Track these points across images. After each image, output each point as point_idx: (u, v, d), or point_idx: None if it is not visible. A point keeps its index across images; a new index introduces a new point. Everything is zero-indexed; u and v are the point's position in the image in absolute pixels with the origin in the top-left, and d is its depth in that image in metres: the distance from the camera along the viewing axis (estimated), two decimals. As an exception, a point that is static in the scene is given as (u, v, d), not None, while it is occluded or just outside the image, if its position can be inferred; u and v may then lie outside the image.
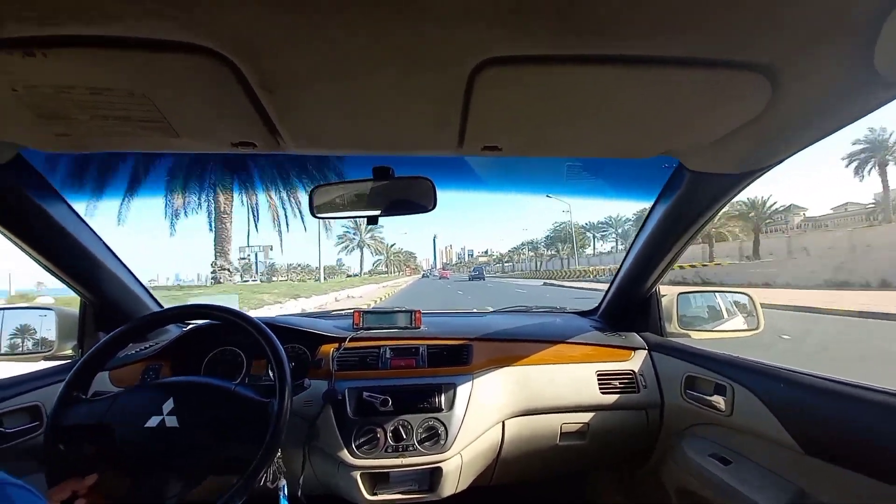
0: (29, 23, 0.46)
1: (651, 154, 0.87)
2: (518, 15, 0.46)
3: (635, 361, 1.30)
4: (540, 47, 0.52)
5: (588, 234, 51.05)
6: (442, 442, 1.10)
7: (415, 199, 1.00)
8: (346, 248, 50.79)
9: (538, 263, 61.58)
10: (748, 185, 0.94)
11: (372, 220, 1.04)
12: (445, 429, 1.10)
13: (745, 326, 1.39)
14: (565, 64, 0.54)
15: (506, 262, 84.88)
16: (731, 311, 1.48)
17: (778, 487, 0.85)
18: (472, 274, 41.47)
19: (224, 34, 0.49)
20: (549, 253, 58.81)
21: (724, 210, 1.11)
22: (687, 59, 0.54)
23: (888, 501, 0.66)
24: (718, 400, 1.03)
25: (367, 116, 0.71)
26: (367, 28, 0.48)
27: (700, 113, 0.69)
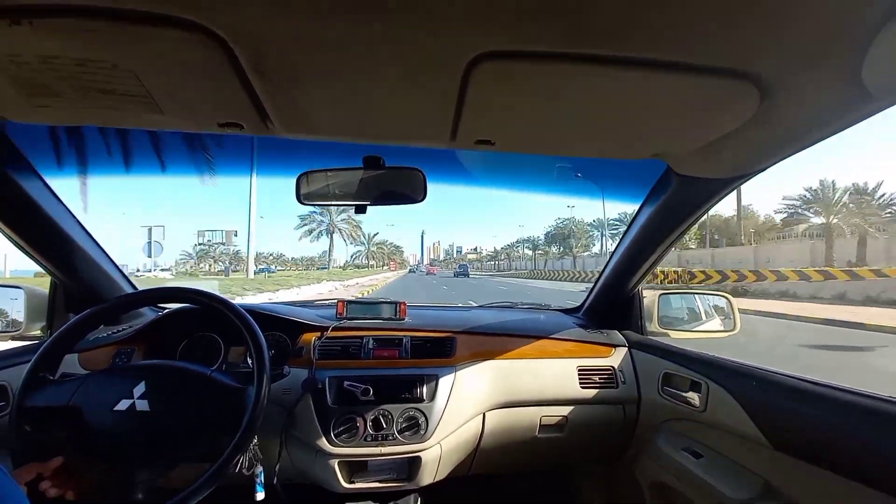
0: None
1: (641, 156, 0.89)
2: (517, 11, 0.46)
3: (615, 358, 1.33)
4: (537, 44, 0.51)
5: (596, 231, 46.35)
6: (422, 432, 1.10)
7: (405, 190, 0.99)
8: (310, 231, 41.80)
9: (541, 262, 55.35)
10: (732, 190, 0.96)
11: (360, 209, 1.03)
12: (426, 419, 1.11)
13: (722, 328, 1.43)
14: (561, 62, 0.54)
15: (500, 259, 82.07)
16: (710, 313, 1.52)
17: (745, 480, 0.89)
18: (457, 270, 44.02)
19: (216, 12, 0.47)
20: (558, 251, 53.77)
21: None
22: (681, 64, 0.54)
23: (853, 497, 0.69)
24: (693, 396, 1.06)
25: (359, 104, 0.70)
26: (365, 17, 0.47)
27: (690, 118, 0.70)
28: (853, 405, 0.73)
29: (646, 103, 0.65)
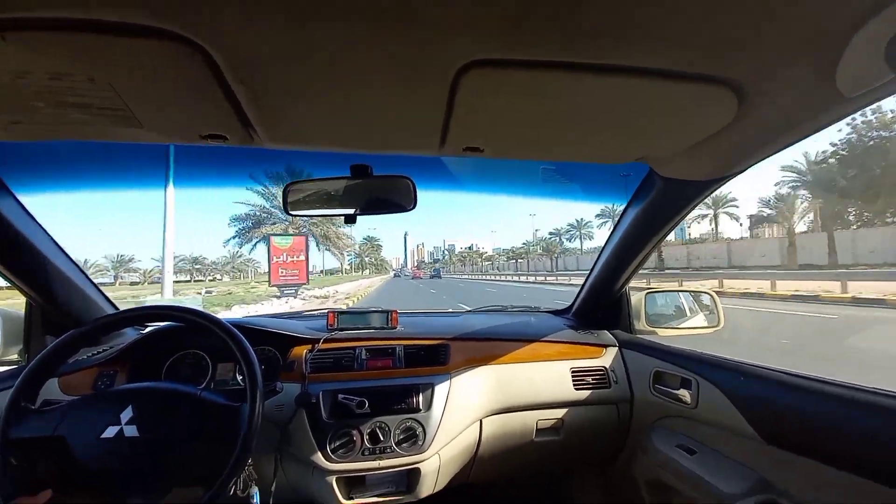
0: None
1: (625, 160, 0.91)
2: (504, 20, 0.46)
3: (607, 358, 1.35)
4: (524, 52, 0.52)
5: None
6: (420, 443, 1.09)
7: (394, 199, 0.99)
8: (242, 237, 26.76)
9: (548, 262, 53.45)
10: (714, 190, 0.99)
11: (350, 219, 1.02)
12: (423, 429, 1.10)
13: (707, 323, 1.47)
14: (548, 69, 0.56)
15: (514, 258, 75.20)
16: (694, 310, 1.56)
17: (740, 475, 0.90)
18: (432, 273, 58.27)
19: (195, 19, 0.46)
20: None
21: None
22: (663, 72, 0.56)
23: (842, 487, 0.71)
24: (684, 393, 1.08)
25: (346, 113, 0.69)
26: (352, 25, 0.47)
27: (672, 123, 0.72)
28: (838, 397, 0.76)
29: (629, 109, 0.67)
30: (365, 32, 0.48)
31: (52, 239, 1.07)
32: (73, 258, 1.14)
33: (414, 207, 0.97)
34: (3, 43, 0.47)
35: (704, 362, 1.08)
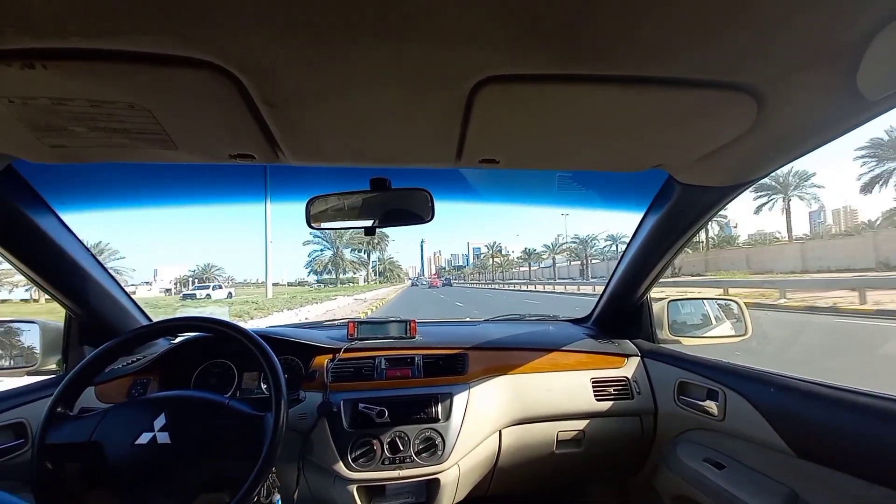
0: (32, 35, 0.45)
1: (643, 167, 0.90)
2: (517, 36, 0.47)
3: (629, 368, 1.32)
4: (538, 67, 0.53)
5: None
6: (439, 453, 1.09)
7: (412, 210, 1.01)
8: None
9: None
10: (736, 196, 0.97)
11: (369, 231, 1.04)
12: (443, 439, 1.10)
13: (734, 332, 1.42)
14: (562, 83, 0.56)
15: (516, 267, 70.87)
16: (720, 318, 1.51)
17: (771, 491, 0.87)
18: (443, 282, 63.84)
19: (231, 51, 0.49)
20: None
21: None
22: (678, 80, 0.56)
23: (879, 503, 0.68)
24: (711, 405, 1.05)
25: (367, 131, 0.71)
26: (372, 48, 0.49)
27: (690, 130, 0.71)
28: (875, 409, 0.73)
29: (645, 118, 0.67)
30: (382, 54, 0.50)
31: (91, 254, 1.12)
32: (110, 271, 1.19)
33: (431, 219, 0.99)
34: (43, 71, 0.50)
35: (731, 372, 1.04)
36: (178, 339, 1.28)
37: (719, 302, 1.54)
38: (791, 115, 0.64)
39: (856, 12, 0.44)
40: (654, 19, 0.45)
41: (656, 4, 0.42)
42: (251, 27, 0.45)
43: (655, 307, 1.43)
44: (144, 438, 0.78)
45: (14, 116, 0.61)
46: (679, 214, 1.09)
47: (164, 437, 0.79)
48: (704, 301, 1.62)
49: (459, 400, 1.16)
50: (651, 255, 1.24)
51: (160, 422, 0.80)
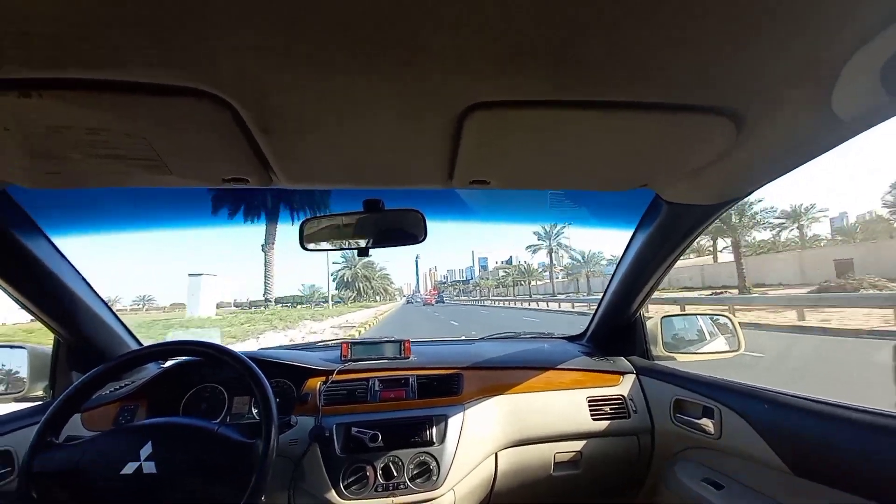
0: (30, 65, 0.46)
1: (629, 187, 0.92)
2: (504, 65, 0.49)
3: (624, 386, 1.31)
4: (525, 93, 0.55)
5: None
6: (434, 478, 1.07)
7: (405, 231, 1.02)
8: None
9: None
10: (722, 213, 1.00)
11: (363, 252, 1.05)
12: (437, 464, 1.08)
13: (727, 347, 1.42)
14: (549, 107, 0.58)
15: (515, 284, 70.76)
16: (713, 333, 1.52)
17: None
18: (437, 298, 63.56)
19: (227, 81, 0.50)
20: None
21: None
22: (659, 104, 0.58)
23: None
24: (707, 423, 1.05)
25: (360, 155, 0.73)
26: (364, 76, 0.51)
27: (672, 151, 0.74)
28: (870, 425, 0.73)
29: (630, 140, 0.69)
30: (374, 82, 0.52)
31: (82, 278, 1.12)
32: (101, 296, 1.18)
33: (424, 239, 1.00)
34: (39, 100, 0.51)
35: (725, 389, 1.04)
36: (167, 364, 1.26)
37: (712, 317, 1.55)
38: (769, 137, 0.67)
39: (828, 35, 0.46)
40: (635, 48, 0.47)
41: (639, 35, 0.44)
42: (248, 58, 0.46)
43: (649, 323, 1.43)
44: (130, 468, 0.76)
45: (10, 144, 0.61)
46: (667, 231, 1.11)
47: (150, 467, 0.77)
48: (698, 317, 1.62)
49: (454, 422, 1.14)
50: (642, 272, 1.26)
51: (146, 451, 0.78)
